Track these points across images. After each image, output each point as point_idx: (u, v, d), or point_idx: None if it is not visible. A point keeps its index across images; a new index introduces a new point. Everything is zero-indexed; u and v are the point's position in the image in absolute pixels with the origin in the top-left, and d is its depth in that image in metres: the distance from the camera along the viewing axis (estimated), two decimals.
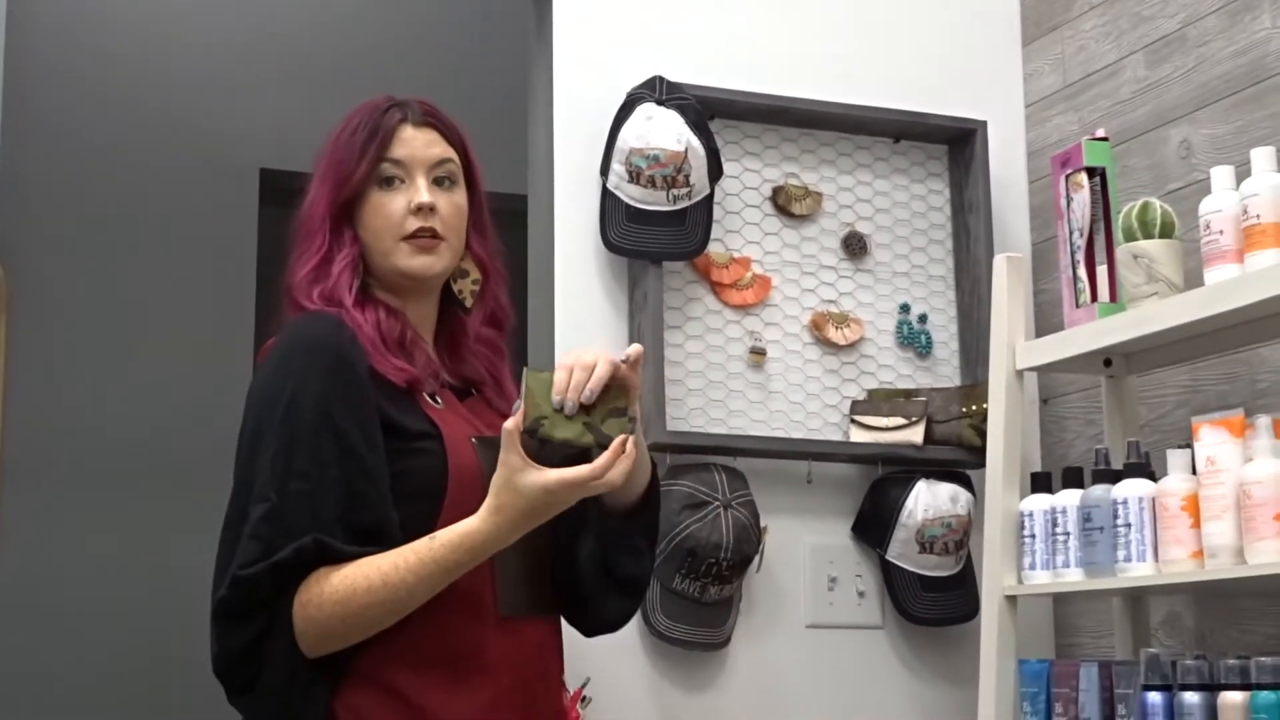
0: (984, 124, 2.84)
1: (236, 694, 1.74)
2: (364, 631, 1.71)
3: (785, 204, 2.77)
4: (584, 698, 2.38)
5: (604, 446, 1.72)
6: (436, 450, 1.78)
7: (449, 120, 1.95)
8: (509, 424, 1.72)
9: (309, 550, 1.69)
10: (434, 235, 1.87)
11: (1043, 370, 2.56)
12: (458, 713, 1.74)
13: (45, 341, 3.92)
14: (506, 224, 3.06)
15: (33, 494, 3.82)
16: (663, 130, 2.57)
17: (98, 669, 3.87)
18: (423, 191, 1.87)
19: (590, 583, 1.89)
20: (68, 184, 4.08)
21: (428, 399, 1.83)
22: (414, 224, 1.87)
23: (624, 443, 1.72)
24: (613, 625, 1.95)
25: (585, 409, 1.73)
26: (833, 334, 2.75)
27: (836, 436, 2.72)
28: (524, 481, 1.70)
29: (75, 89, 4.12)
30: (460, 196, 1.92)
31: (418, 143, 1.89)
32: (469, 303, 1.96)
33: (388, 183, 1.88)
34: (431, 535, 1.72)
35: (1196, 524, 2.10)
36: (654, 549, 1.94)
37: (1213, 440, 2.07)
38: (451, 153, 1.92)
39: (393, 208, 1.87)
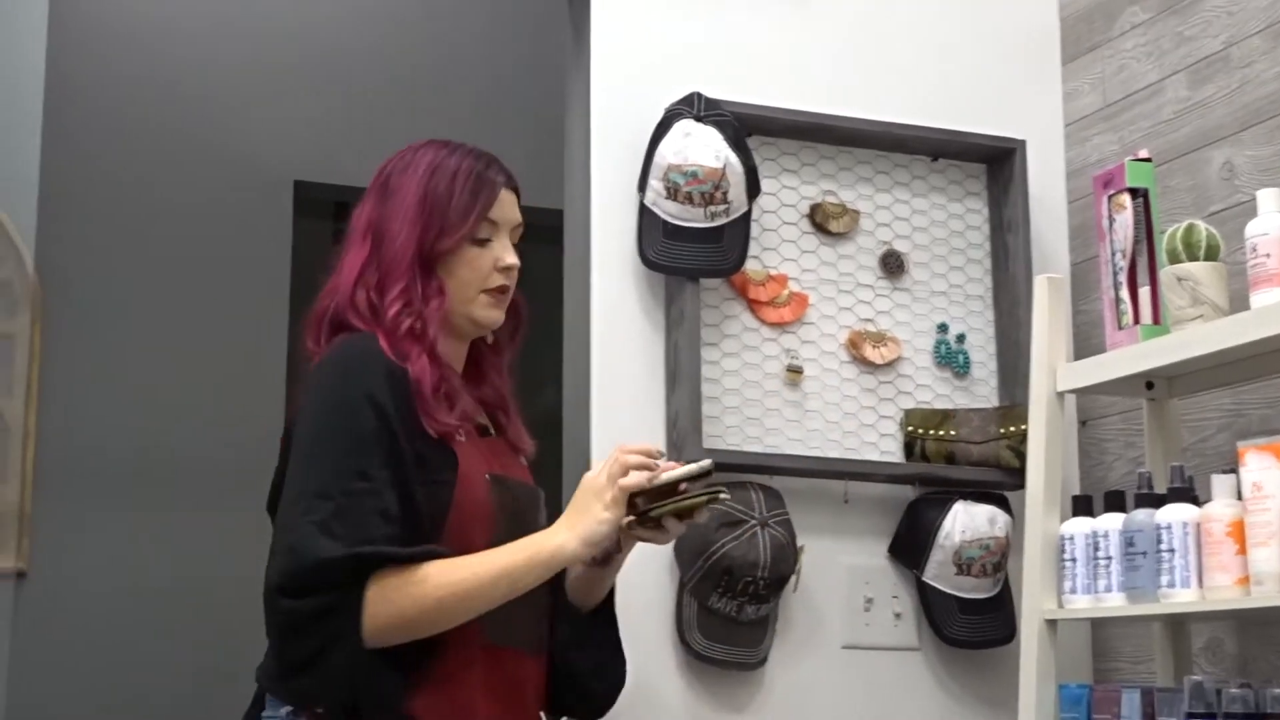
0: (1023, 143, 2.82)
1: (296, 671, 1.79)
2: (430, 623, 1.81)
3: (823, 222, 2.75)
4: None
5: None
6: (448, 483, 1.90)
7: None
8: (627, 481, 1.92)
9: (394, 554, 1.80)
10: (506, 290, 2.05)
11: (1083, 392, 2.54)
12: None
13: (80, 351, 3.93)
14: (543, 239, 3.08)
15: (65, 502, 3.84)
16: (701, 147, 2.56)
17: (132, 677, 3.87)
18: (511, 253, 2.05)
19: (560, 672, 2.06)
20: (104, 195, 4.09)
21: (455, 431, 1.95)
22: (498, 280, 2.04)
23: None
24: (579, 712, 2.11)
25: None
26: (870, 353, 2.73)
27: (873, 456, 2.70)
28: (584, 481, 1.93)
29: (112, 101, 4.13)
30: None
31: (508, 205, 2.06)
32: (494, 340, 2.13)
33: (482, 241, 2.03)
34: None
35: (1242, 550, 2.07)
36: (616, 655, 2.12)
37: (1259, 465, 2.05)
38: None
39: (483, 263, 2.03)
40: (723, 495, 1.97)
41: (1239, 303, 2.19)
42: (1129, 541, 2.24)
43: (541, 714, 2.05)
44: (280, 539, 1.84)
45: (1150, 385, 2.43)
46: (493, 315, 2.05)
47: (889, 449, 2.72)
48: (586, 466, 2.56)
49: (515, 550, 1.88)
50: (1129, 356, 2.32)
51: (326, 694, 1.79)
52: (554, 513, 2.02)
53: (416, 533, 1.84)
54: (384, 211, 2.01)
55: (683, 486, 1.94)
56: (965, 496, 2.66)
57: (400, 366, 1.91)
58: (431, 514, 1.87)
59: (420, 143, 2.07)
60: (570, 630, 2.06)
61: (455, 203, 2.00)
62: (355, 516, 1.79)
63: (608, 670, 2.10)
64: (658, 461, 1.97)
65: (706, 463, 1.95)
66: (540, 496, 2.07)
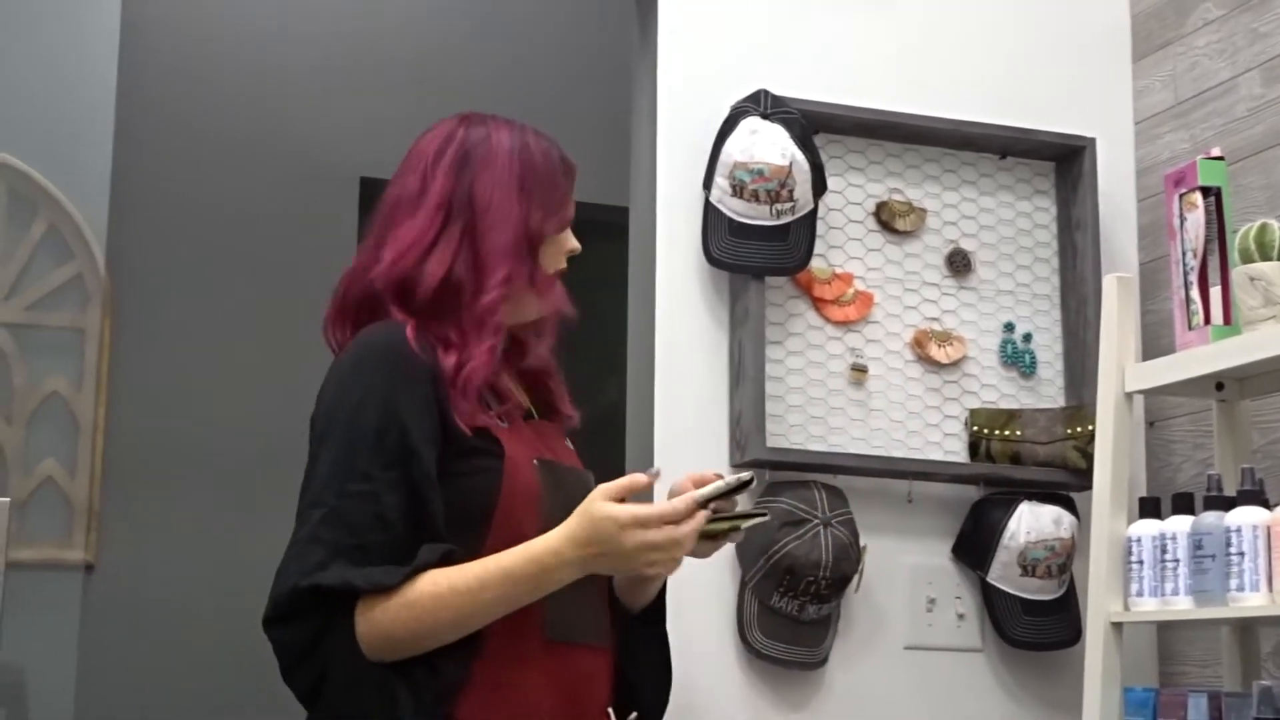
0: (1093, 141, 2.80)
1: (312, 700, 1.72)
2: (427, 641, 1.70)
3: (889, 220, 2.74)
4: None
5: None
6: (495, 470, 1.79)
7: None
8: (689, 495, 1.76)
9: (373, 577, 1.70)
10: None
11: (1152, 393, 2.51)
12: None
13: (149, 346, 3.98)
14: (608, 236, 3.08)
15: (134, 496, 3.89)
16: (767, 144, 2.55)
17: (199, 669, 3.91)
18: (574, 239, 1.96)
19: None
20: (173, 192, 4.14)
21: (496, 420, 1.86)
22: (564, 264, 1.96)
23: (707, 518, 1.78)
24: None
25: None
26: (935, 352, 2.71)
27: (938, 456, 2.69)
28: (596, 508, 1.73)
29: (181, 99, 4.18)
30: None
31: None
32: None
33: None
34: (508, 549, 1.75)
35: None
36: (663, 664, 1.98)
37: None
38: None
39: (564, 247, 1.96)
40: (756, 519, 1.86)
41: None
42: (1197, 544, 2.21)
43: (610, 711, 1.90)
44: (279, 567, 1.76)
45: (1220, 386, 2.40)
46: (565, 301, 1.95)
47: (953, 449, 2.70)
48: (650, 465, 2.57)
49: (517, 569, 1.73)
50: (1199, 357, 2.29)
51: (348, 713, 1.69)
52: None
53: (426, 535, 1.73)
54: (474, 186, 1.87)
55: (715, 505, 1.79)
56: (1030, 497, 2.63)
57: (424, 361, 1.78)
58: (475, 505, 1.77)
59: (462, 116, 1.95)
60: (621, 633, 1.94)
61: (555, 184, 1.92)
62: (346, 521, 1.70)
63: (656, 682, 1.99)
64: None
65: (745, 475, 1.82)
66: (590, 480, 1.93)
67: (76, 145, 3.47)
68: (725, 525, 1.82)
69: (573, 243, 1.97)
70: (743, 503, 2.04)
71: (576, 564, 1.74)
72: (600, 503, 1.74)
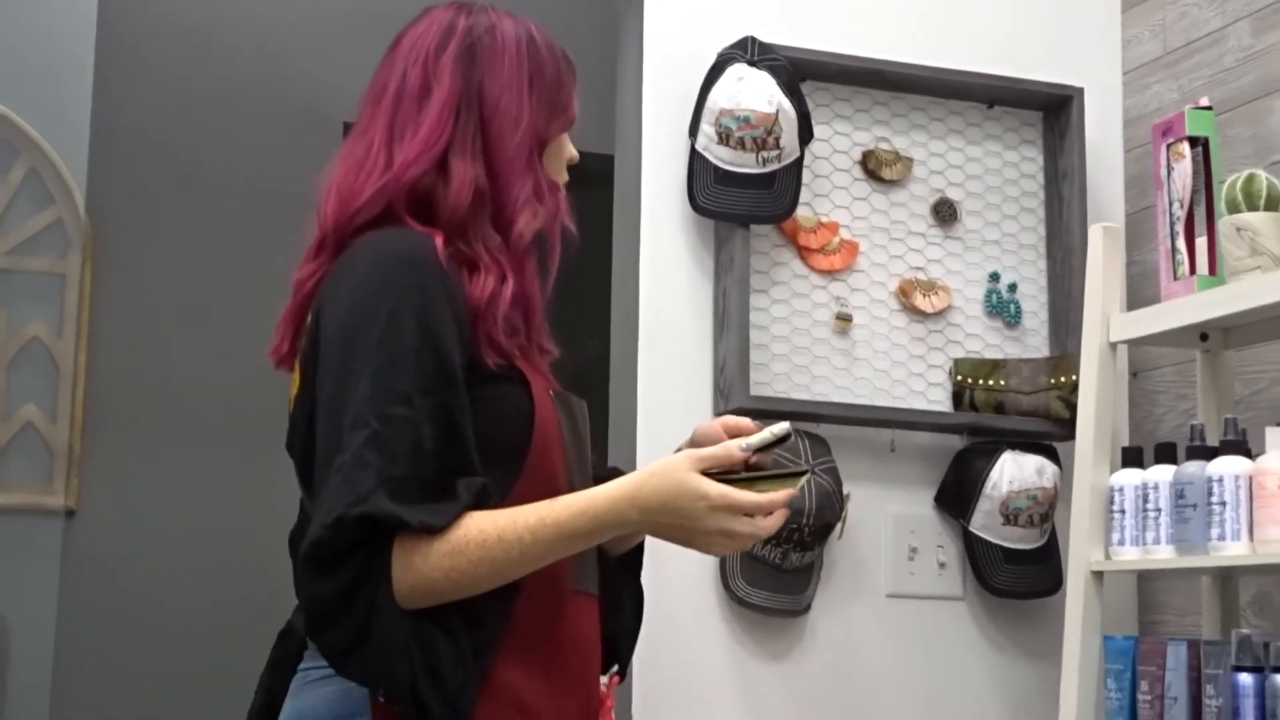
0: (1080, 90, 2.79)
1: (344, 657, 1.53)
2: (467, 589, 1.54)
3: (875, 169, 2.73)
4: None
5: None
6: (523, 398, 1.63)
7: None
8: (734, 445, 1.61)
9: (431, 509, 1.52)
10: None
11: (1137, 343, 2.51)
12: (534, 690, 1.60)
13: (130, 291, 3.95)
14: (593, 183, 3.06)
15: (115, 441, 3.87)
16: (754, 92, 2.54)
17: (180, 615, 3.90)
18: (572, 146, 1.77)
19: None
20: (154, 136, 4.10)
21: (514, 348, 1.68)
22: (565, 176, 1.77)
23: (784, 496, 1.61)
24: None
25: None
26: (920, 301, 2.71)
27: (922, 405, 2.69)
28: (687, 478, 1.58)
29: (161, 42, 4.13)
30: None
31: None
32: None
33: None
34: (555, 498, 1.59)
35: None
36: (637, 615, 1.85)
37: None
38: None
39: (566, 154, 1.76)
40: (801, 475, 1.65)
41: None
42: (1179, 494, 2.22)
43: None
44: (314, 496, 1.57)
45: (1205, 337, 2.41)
46: (565, 216, 1.74)
47: (937, 398, 2.71)
48: (633, 412, 2.57)
49: (571, 524, 1.57)
50: (1184, 307, 2.29)
51: (387, 669, 1.51)
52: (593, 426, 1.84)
53: (460, 470, 1.56)
54: (485, 83, 1.68)
55: (754, 459, 1.64)
56: (1014, 447, 2.64)
57: (454, 280, 1.60)
58: (507, 440, 1.61)
59: (456, 4, 1.75)
60: (602, 579, 1.79)
61: (562, 82, 1.72)
62: (389, 447, 1.51)
63: (633, 635, 1.86)
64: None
65: (784, 427, 1.65)
66: (586, 410, 1.79)
67: (57, 89, 3.44)
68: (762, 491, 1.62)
69: (572, 150, 1.78)
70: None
71: (635, 526, 1.60)
72: (690, 473, 1.58)
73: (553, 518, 1.57)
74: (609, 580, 1.80)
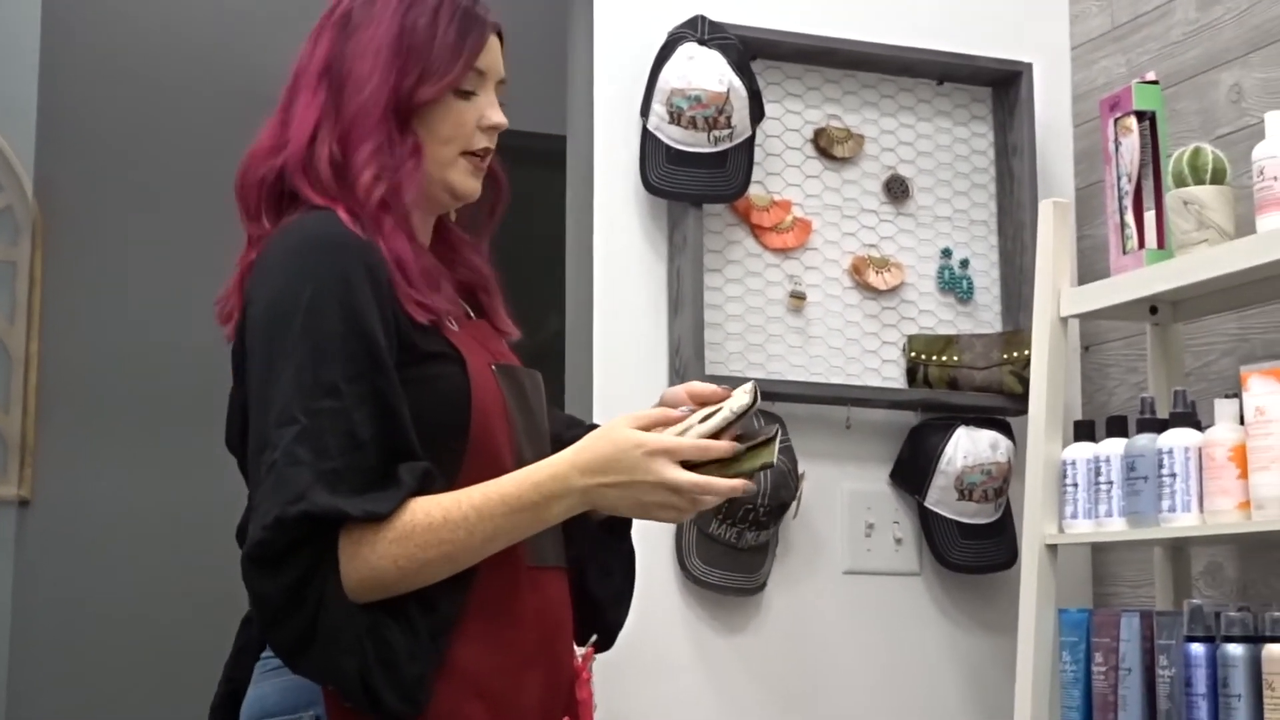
0: (1029, 66, 2.80)
1: (294, 655, 1.52)
2: (416, 580, 1.53)
3: (827, 146, 2.73)
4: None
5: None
6: (459, 376, 1.62)
7: None
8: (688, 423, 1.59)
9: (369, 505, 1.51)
10: (488, 154, 1.74)
11: (1087, 317, 2.53)
12: (492, 667, 1.59)
13: (81, 277, 3.92)
14: (546, 164, 3.05)
15: (68, 430, 3.84)
16: (704, 71, 2.54)
17: (135, 603, 3.89)
18: (498, 110, 1.72)
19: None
20: (102, 120, 4.06)
21: (447, 323, 1.67)
22: (481, 141, 1.72)
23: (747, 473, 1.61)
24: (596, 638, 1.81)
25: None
26: (873, 278, 2.72)
27: (876, 382, 2.70)
28: (620, 431, 1.57)
29: (108, 24, 4.09)
30: None
31: (496, 53, 1.73)
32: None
33: (467, 93, 1.70)
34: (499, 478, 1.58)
35: (1244, 474, 2.07)
36: (629, 578, 1.83)
37: (1262, 390, 2.05)
38: None
39: (467, 120, 1.70)
40: (775, 442, 1.62)
41: (1245, 227, 2.17)
42: (1130, 466, 2.24)
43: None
44: (252, 493, 1.56)
45: (1154, 310, 2.42)
46: (472, 184, 1.72)
47: (891, 375, 2.72)
48: (589, 393, 2.57)
49: (516, 496, 1.56)
50: (1133, 281, 2.31)
51: (337, 666, 1.50)
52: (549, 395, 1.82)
53: (400, 456, 1.54)
54: (346, 49, 1.68)
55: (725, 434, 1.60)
56: (967, 422, 2.65)
57: (374, 250, 1.59)
58: (446, 419, 1.59)
59: None
60: (585, 545, 1.77)
61: (440, 42, 1.66)
62: (319, 441, 1.50)
63: (625, 598, 1.84)
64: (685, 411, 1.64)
65: (747, 392, 1.61)
66: (540, 380, 1.78)
67: (2, 75, 3.40)
68: (757, 462, 1.60)
69: (490, 114, 1.71)
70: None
71: (579, 494, 1.58)
72: (625, 428, 1.58)
73: (498, 493, 1.56)
74: (594, 548, 1.79)
